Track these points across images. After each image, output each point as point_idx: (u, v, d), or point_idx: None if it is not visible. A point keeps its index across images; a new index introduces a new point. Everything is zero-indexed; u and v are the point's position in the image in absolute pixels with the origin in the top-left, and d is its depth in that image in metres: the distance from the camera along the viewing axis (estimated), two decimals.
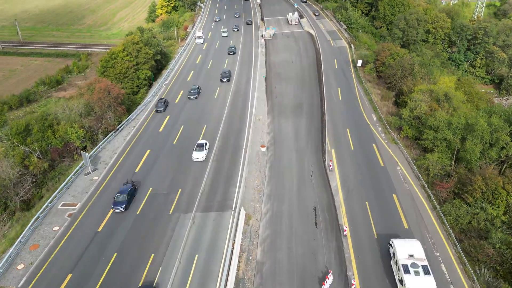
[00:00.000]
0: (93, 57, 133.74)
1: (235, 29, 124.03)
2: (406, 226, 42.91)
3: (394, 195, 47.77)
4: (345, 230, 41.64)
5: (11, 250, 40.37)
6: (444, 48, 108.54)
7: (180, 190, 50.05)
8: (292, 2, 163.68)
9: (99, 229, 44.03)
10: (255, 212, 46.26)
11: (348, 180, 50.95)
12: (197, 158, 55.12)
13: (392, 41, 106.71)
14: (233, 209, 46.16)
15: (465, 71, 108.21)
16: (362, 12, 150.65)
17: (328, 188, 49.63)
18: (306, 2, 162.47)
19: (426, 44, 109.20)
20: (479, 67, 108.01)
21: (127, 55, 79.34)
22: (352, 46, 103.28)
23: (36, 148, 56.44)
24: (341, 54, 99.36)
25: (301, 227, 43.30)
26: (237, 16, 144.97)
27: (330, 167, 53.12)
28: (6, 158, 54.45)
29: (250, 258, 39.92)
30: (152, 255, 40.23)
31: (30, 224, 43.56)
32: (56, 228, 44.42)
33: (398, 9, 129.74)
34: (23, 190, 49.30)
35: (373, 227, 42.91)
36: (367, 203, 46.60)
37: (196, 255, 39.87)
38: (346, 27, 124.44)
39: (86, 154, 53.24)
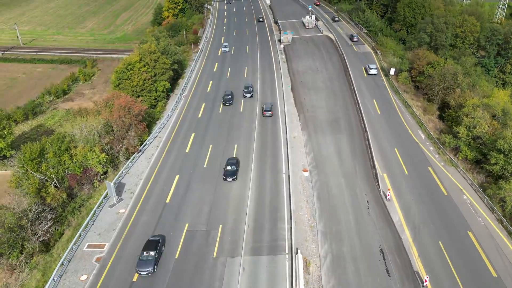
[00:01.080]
0: (99, 63, 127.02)
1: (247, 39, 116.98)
2: (494, 274, 37.02)
3: (469, 232, 41.88)
4: (425, 281, 35.63)
5: None
6: (473, 53, 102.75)
7: (220, 226, 43.91)
8: (302, 3, 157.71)
9: (134, 279, 37.79)
10: (312, 255, 40.17)
11: (411, 213, 45.00)
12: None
13: (418, 46, 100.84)
14: (286, 251, 40.06)
15: (494, 77, 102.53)
16: (377, 14, 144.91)
17: (391, 223, 43.66)
18: (319, 4, 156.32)
19: (454, 49, 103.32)
20: (510, 72, 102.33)
21: (144, 66, 72.90)
22: (378, 52, 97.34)
23: (53, 176, 50.00)
24: (368, 60, 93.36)
25: (370, 276, 37.29)
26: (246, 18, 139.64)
27: (387, 197, 47.14)
28: (20, 188, 48.02)
29: None
30: None
31: (53, 274, 37.22)
32: (84, 277, 38.15)
33: (419, 11, 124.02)
34: (42, 228, 42.86)
35: (455, 275, 36.96)
36: (440, 243, 40.67)
37: None
38: (366, 31, 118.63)
39: (111, 184, 46.92)
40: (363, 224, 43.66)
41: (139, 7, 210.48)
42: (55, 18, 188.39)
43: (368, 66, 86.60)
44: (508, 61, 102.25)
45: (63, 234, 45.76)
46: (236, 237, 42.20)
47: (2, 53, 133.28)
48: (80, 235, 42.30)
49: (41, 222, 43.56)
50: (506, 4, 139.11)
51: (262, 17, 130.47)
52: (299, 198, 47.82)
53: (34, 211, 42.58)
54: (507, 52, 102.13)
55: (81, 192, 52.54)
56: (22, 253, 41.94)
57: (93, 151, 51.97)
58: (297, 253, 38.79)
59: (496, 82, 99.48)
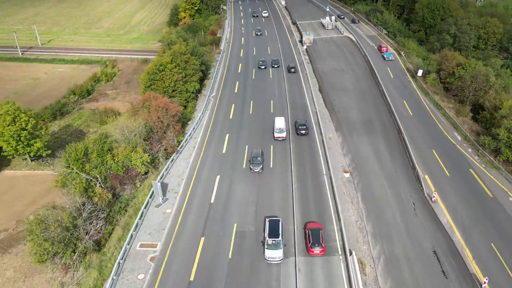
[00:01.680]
0: (119, 63, 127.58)
1: (259, 33, 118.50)
2: None
3: None
4: (484, 282, 35.83)
5: None
6: (496, 55, 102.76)
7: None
8: (317, 4, 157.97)
9: (191, 278, 38.13)
10: (364, 256, 40.42)
11: (458, 215, 45.16)
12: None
13: (441, 47, 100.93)
14: (340, 252, 40.33)
15: None
16: (394, 15, 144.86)
17: (440, 225, 43.85)
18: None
19: (477, 51, 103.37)
20: None
21: (175, 67, 73.30)
22: (402, 53, 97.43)
23: (98, 176, 50.47)
24: (392, 62, 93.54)
25: (427, 277, 37.50)
26: (265, 14, 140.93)
27: (433, 199, 47.32)
28: (66, 188, 48.53)
29: None
30: None
31: (112, 273, 37.65)
32: (141, 276, 38.53)
33: (438, 12, 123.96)
34: (94, 228, 43.28)
35: None
36: (493, 245, 40.83)
37: None
38: (386, 32, 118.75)
39: (158, 184, 47.33)
40: (412, 226, 43.85)
41: (153, 8, 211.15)
42: (70, 18, 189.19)
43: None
44: None
45: (111, 233, 46.19)
46: (287, 238, 42.42)
47: (22, 53, 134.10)
48: (131, 235, 42.69)
49: (92, 222, 43.97)
50: None
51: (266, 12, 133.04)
52: (343, 200, 48.04)
53: (87, 211, 42.97)
54: None
55: (123, 192, 53.02)
56: (75, 252, 42.36)
57: (136, 152, 52.37)
58: (351, 254, 39.04)
59: None
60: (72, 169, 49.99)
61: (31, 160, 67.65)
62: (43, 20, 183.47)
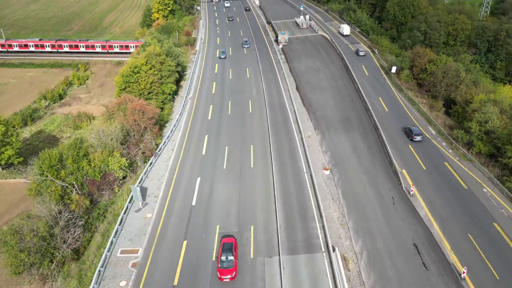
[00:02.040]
0: (92, 66, 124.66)
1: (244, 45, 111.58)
2: None
3: (495, 224, 43.42)
4: (463, 272, 36.81)
5: None
6: (465, 51, 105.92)
7: (252, 226, 44.08)
8: (292, 3, 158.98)
9: (175, 283, 37.60)
10: (348, 252, 40.85)
11: (436, 208, 46.27)
12: None
13: (412, 44, 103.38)
14: (323, 249, 40.62)
15: (485, 73, 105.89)
16: (367, 13, 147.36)
17: (419, 218, 44.81)
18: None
19: (447, 47, 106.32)
20: (499, 68, 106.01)
21: (150, 68, 72.12)
22: (376, 50, 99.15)
23: (74, 182, 49.06)
24: (366, 59, 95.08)
25: (408, 270, 38.22)
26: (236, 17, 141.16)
27: (411, 192, 48.33)
28: (41, 196, 46.96)
29: None
30: None
31: (93, 281, 36.65)
32: (123, 283, 37.68)
33: (408, 10, 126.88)
34: (72, 236, 42.03)
35: (489, 265, 38.30)
36: (469, 235, 42.04)
37: None
38: (360, 30, 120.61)
39: (138, 188, 46.39)
40: (392, 220, 44.64)
41: (124, 9, 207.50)
42: (38, 21, 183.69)
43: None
44: (498, 57, 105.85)
45: (90, 241, 45.02)
46: (270, 237, 42.47)
47: None
48: (111, 241, 41.70)
49: (69, 230, 42.72)
50: (490, 2, 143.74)
51: (249, 7, 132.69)
52: (324, 197, 48.44)
53: (64, 219, 41.71)
54: (497, 48, 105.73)
55: (101, 198, 51.78)
56: (52, 262, 41.06)
57: (113, 156, 51.22)
58: (334, 250, 39.38)
59: (490, 78, 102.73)
60: (47, 176, 48.43)
61: (2, 169, 65.34)
62: (10, 23, 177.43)
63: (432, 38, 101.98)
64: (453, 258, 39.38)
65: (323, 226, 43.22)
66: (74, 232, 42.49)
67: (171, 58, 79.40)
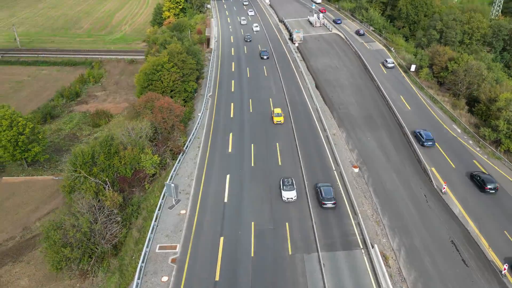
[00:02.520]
0: (105, 64, 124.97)
1: (248, 39, 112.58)
2: None
3: None
4: (504, 269, 37.02)
5: None
6: (481, 50, 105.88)
7: (287, 223, 44.31)
8: (302, 2, 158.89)
9: (217, 278, 37.87)
10: (385, 248, 41.05)
11: (469, 205, 46.41)
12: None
13: (428, 43, 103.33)
14: (361, 246, 40.84)
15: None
16: (378, 12, 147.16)
17: (453, 215, 44.97)
18: (325, 11, 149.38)
19: (462, 46, 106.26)
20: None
21: (173, 66, 72.33)
22: (392, 48, 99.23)
23: (106, 179, 49.35)
24: (383, 57, 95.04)
25: (449, 267, 38.40)
26: (251, 13, 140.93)
27: (443, 190, 48.50)
28: (73, 193, 47.23)
29: None
30: None
31: (136, 276, 36.94)
32: (165, 278, 37.95)
33: (421, 8, 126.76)
34: (110, 232, 42.32)
35: None
36: (506, 232, 42.21)
37: None
38: (374, 28, 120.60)
39: (172, 185, 46.63)
40: (427, 217, 44.81)
41: (132, 8, 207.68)
42: (48, 20, 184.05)
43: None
44: None
45: (126, 237, 45.31)
46: (306, 234, 42.68)
47: (2, 56, 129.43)
48: (149, 238, 41.97)
49: (107, 226, 43.00)
50: (502, 1, 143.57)
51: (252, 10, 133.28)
52: (356, 194, 48.62)
53: (103, 215, 42.00)
54: None
55: (132, 195, 52.08)
56: (91, 258, 41.35)
57: (145, 153, 51.47)
58: (373, 247, 39.60)
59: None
60: (80, 172, 48.71)
61: (28, 166, 65.61)
62: (19, 21, 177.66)
63: (448, 37, 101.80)
64: (492, 255, 39.55)
65: (359, 223, 43.44)
66: (112, 228, 42.71)
67: (192, 57, 79.55)
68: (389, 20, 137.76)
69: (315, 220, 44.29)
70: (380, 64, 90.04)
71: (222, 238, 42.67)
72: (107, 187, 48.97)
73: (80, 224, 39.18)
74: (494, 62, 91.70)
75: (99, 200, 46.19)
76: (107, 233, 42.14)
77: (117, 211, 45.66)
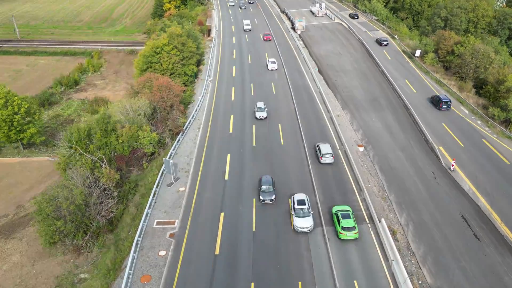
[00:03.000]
0: (105, 54, 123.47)
1: (248, 30, 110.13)
2: None
3: None
4: None
5: (122, 287, 32.03)
6: (486, 38, 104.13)
7: (290, 200, 42.60)
8: None
9: (216, 252, 36.18)
10: (393, 223, 39.31)
11: (479, 182, 44.65)
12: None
13: (433, 31, 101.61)
14: (367, 221, 39.12)
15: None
16: (381, 3, 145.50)
17: (463, 191, 43.21)
18: None
19: (467, 34, 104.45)
20: None
21: (172, 49, 70.70)
22: (396, 36, 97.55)
23: (103, 157, 47.70)
24: (387, 44, 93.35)
25: (460, 241, 36.65)
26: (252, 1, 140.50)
27: (452, 167, 46.74)
28: (74, 169, 45.54)
29: (420, 282, 32.98)
30: (300, 282, 32.75)
31: (132, 250, 35.28)
32: (163, 253, 36.28)
33: None
34: (106, 207, 40.65)
35: None
36: None
37: (355, 281, 32.65)
38: (377, 18, 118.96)
39: (171, 161, 45.01)
40: (435, 193, 43.07)
41: (133, 2, 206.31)
42: (48, 13, 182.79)
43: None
44: None
45: (123, 213, 43.66)
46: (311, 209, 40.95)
47: (1, 46, 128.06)
48: (147, 213, 40.32)
49: (103, 201, 41.34)
50: None
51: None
52: (361, 171, 46.90)
53: (98, 189, 40.34)
54: None
55: (130, 174, 50.47)
56: (86, 233, 39.70)
57: (143, 130, 49.84)
58: (380, 221, 37.88)
59: None
60: (76, 149, 47.08)
61: (24, 148, 64.06)
62: (20, 15, 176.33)
63: (453, 24, 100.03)
64: (504, 229, 37.80)
65: (365, 199, 41.75)
66: (108, 203, 41.06)
67: (191, 40, 77.96)
68: (392, 11, 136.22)
69: (319, 196, 42.54)
70: (375, 42, 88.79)
71: (222, 214, 41.03)
72: (103, 165, 47.30)
73: (74, 196, 37.49)
74: (501, 45, 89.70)
75: (94, 175, 44.54)
76: (102, 208, 40.47)
77: (113, 188, 43.98)
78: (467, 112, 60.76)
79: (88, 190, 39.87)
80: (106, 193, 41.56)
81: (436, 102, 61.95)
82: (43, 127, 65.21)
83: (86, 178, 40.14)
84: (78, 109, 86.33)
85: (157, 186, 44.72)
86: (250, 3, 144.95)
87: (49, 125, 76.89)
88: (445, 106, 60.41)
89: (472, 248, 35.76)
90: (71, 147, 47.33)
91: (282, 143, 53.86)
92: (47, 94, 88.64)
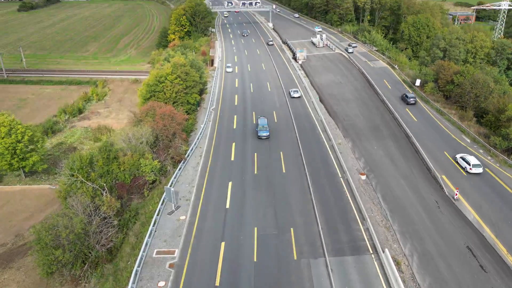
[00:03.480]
0: (109, 83, 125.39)
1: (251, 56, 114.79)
2: None
3: None
4: None
5: None
6: (484, 68, 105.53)
7: (292, 229, 42.06)
8: (305, 26, 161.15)
9: (217, 283, 35.39)
10: (397, 254, 38.56)
11: (483, 212, 44.10)
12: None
13: (432, 61, 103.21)
14: (371, 251, 38.42)
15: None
16: (380, 35, 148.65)
17: (468, 221, 42.62)
18: (298, 17, 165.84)
19: (466, 64, 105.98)
20: None
21: (176, 78, 71.86)
22: (396, 66, 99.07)
23: (104, 185, 47.57)
24: (387, 74, 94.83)
25: (466, 272, 35.82)
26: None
27: (455, 197, 46.30)
28: (74, 196, 45.33)
29: None
30: None
31: (131, 281, 34.56)
32: (162, 283, 35.46)
33: (423, 30, 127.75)
34: (105, 236, 40.16)
35: None
36: None
37: None
38: (377, 49, 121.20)
39: (172, 189, 44.80)
40: (440, 223, 42.46)
41: (138, 32, 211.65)
42: (55, 43, 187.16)
43: (349, 45, 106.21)
44: None
45: (122, 242, 43.07)
46: (312, 239, 40.39)
47: (7, 76, 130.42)
48: (147, 242, 39.77)
49: (102, 230, 40.89)
50: (504, 25, 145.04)
51: (272, 40, 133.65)
52: (364, 200, 46.48)
53: (98, 217, 40.00)
54: None
55: (130, 202, 50.16)
56: (84, 263, 39.05)
57: (145, 158, 49.90)
58: (384, 252, 37.19)
59: None
60: (77, 177, 47.03)
61: (25, 176, 64.02)
62: (27, 45, 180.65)
63: (452, 55, 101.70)
64: (511, 261, 36.99)
65: (368, 229, 41.18)
66: (108, 232, 40.59)
67: (195, 70, 79.30)
68: (392, 42, 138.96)
69: (321, 226, 42.01)
70: (384, 80, 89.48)
71: (223, 243, 40.42)
72: (104, 193, 47.11)
73: (73, 225, 37.11)
74: (501, 75, 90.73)
75: (95, 203, 44.25)
76: (102, 237, 39.95)
77: (114, 216, 43.60)
78: (468, 141, 60.78)
79: (88, 219, 39.50)
80: (106, 221, 41.12)
81: (403, 99, 75.80)
82: (45, 154, 65.37)
83: (87, 207, 39.83)
84: (81, 137, 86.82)
85: (157, 215, 44.31)
86: (244, 36, 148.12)
87: (51, 153, 77.16)
88: (412, 101, 74.56)
89: (479, 280, 34.90)
90: (72, 175, 47.29)
91: (283, 171, 53.71)
92: (51, 122, 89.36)
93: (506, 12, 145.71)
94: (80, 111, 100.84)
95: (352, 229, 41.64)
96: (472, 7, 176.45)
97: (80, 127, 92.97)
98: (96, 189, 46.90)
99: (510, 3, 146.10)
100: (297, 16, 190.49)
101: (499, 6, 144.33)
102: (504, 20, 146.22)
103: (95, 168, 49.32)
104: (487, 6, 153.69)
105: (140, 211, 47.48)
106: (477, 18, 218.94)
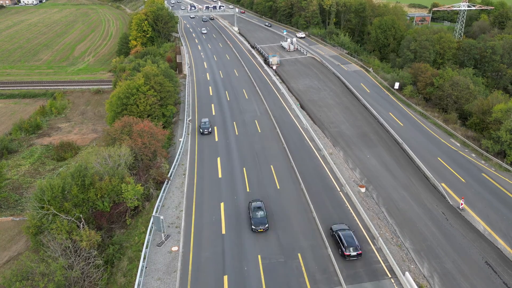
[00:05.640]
0: (68, 95, 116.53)
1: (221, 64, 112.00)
2: None
3: None
4: None
5: None
6: (453, 69, 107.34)
7: (299, 254, 38.41)
8: (272, 30, 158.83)
9: None
10: (416, 275, 35.87)
11: (492, 221, 42.56)
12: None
13: (403, 63, 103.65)
14: (389, 275, 35.45)
15: None
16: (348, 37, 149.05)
17: (479, 233, 40.81)
18: (271, 26, 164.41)
19: (435, 65, 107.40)
20: (487, 85, 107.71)
21: (149, 89, 66.28)
22: (370, 69, 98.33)
23: (81, 216, 41.68)
24: (362, 78, 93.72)
25: None
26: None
27: (460, 206, 44.54)
28: (41, 235, 39.25)
29: None
30: None
31: None
32: None
33: (390, 32, 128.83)
34: (89, 279, 34.55)
35: None
36: None
37: None
38: (347, 51, 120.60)
39: (161, 217, 39.79)
40: (452, 237, 40.35)
41: (95, 39, 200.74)
42: (3, 53, 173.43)
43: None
44: (484, 74, 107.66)
45: (107, 283, 37.56)
46: (323, 265, 36.94)
47: None
48: (139, 282, 34.65)
49: (84, 272, 35.25)
50: (464, 26, 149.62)
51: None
52: (369, 216, 43.67)
53: (82, 258, 34.35)
54: (483, 66, 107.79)
55: (111, 232, 44.51)
56: None
57: (128, 182, 44.43)
58: (404, 275, 34.34)
59: None
60: (48, 209, 40.85)
61: None
62: None
63: (423, 56, 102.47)
64: None
65: (380, 249, 38.29)
66: (91, 274, 35.02)
67: (168, 79, 73.99)
68: (359, 44, 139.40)
69: (331, 250, 38.61)
70: (361, 84, 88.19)
71: (225, 277, 36.08)
72: (81, 225, 41.22)
73: (52, 272, 31.36)
74: (476, 76, 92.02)
75: (73, 241, 38.39)
76: (84, 281, 34.33)
77: (96, 253, 37.98)
78: (458, 145, 59.91)
79: (68, 262, 33.77)
80: (89, 261, 35.50)
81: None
82: (3, 180, 57.83)
83: (65, 248, 34.08)
84: (42, 157, 78.88)
85: (146, 247, 39.19)
86: (204, 21, 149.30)
87: (9, 176, 69.06)
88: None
89: None
90: (43, 207, 41.02)
91: (278, 187, 50.01)
92: (6, 142, 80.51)
93: (465, 13, 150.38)
94: (39, 127, 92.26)
95: (364, 250, 38.56)
96: (434, 8, 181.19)
97: (39, 145, 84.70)
98: (71, 221, 40.91)
99: (469, 4, 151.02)
100: (270, 25, 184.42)
101: (459, 7, 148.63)
102: (464, 21, 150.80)
103: (68, 197, 43.21)
104: (448, 8, 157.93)
105: (125, 244, 42.01)
106: (432, 19, 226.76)
